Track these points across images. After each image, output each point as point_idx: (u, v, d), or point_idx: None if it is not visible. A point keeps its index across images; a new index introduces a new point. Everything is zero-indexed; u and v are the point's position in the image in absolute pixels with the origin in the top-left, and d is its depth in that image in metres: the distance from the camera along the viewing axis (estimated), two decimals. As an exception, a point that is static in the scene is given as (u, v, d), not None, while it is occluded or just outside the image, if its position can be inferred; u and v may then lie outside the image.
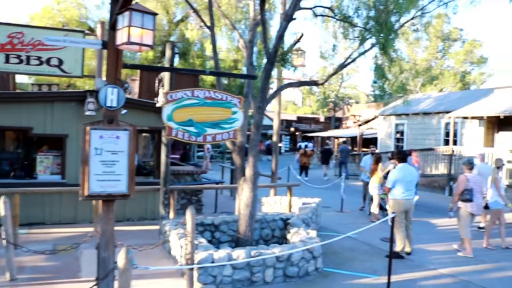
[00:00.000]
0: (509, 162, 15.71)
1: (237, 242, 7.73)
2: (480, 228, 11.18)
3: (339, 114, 57.77)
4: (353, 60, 9.04)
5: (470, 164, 8.98)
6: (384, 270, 7.08)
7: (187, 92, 5.81)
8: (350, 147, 38.67)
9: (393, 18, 8.69)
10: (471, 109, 17.97)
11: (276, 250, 6.58)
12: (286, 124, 58.02)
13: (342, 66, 8.85)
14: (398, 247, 8.44)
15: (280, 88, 8.64)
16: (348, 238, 9.61)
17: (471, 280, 7.27)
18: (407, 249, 8.59)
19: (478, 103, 18.74)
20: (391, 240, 6.78)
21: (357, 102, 58.11)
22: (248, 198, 7.59)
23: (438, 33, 53.50)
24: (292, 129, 56.82)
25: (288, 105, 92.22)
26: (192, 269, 6.05)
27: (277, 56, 8.01)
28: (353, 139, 35.23)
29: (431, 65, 54.64)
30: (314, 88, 63.65)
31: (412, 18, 8.99)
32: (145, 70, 12.47)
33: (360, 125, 27.70)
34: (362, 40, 7.66)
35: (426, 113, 21.87)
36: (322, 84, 8.86)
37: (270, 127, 53.16)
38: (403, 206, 8.60)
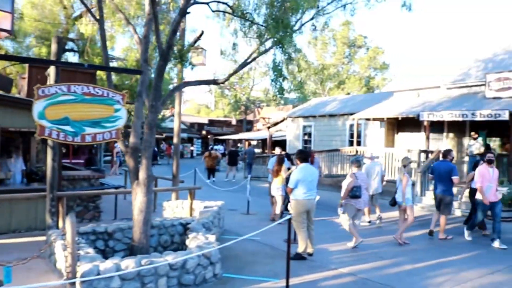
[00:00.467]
0: (407, 161, 16.40)
1: (131, 251, 7.21)
2: (369, 222, 12.16)
3: (250, 117, 58.26)
4: (254, 59, 8.88)
5: (357, 162, 9.76)
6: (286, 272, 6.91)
7: (62, 87, 5.24)
8: (261, 149, 39.12)
9: (293, 18, 8.66)
10: (372, 111, 18.63)
11: (170, 258, 6.15)
12: (198, 127, 57.46)
13: (243, 65, 8.64)
14: (300, 248, 8.33)
15: (177, 87, 8.24)
16: (251, 241, 9.45)
17: (369, 278, 7.30)
18: (309, 250, 8.50)
19: (379, 105, 19.48)
20: (289, 242, 6.62)
21: (268, 105, 58.92)
22: (142, 203, 7.10)
23: (344, 39, 55.79)
24: (204, 132, 56.31)
25: (201, 108, 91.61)
26: (74, 283, 5.46)
27: (173, 53, 7.61)
28: (264, 141, 35.57)
29: (339, 70, 56.84)
30: (226, 91, 63.74)
31: (312, 19, 8.97)
32: (21, 63, 11.42)
33: (269, 127, 27.89)
34: (260, 38, 7.45)
35: (332, 115, 22.43)
36: (222, 83, 8.57)
37: (182, 130, 52.37)
38: (305, 206, 8.51)
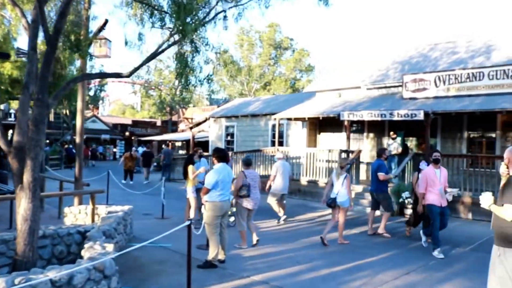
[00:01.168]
0: (327, 161, 16.34)
1: (14, 266, 6.27)
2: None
3: (176, 118, 56.99)
4: (163, 51, 8.17)
5: (248, 161, 9.56)
6: (194, 283, 6.29)
7: None
8: (185, 150, 38.17)
9: (205, 9, 8.08)
10: (294, 111, 18.44)
11: (52, 273, 5.31)
12: (121, 128, 55.39)
13: (151, 57, 7.90)
14: (210, 255, 7.72)
15: (74, 79, 7.35)
16: (161, 248, 8.74)
17: (283, 285, 6.83)
18: (221, 257, 7.91)
19: (301, 105, 19.35)
20: (189, 250, 6.04)
21: (194, 106, 57.98)
22: (27, 211, 6.18)
23: (270, 41, 56.04)
24: (127, 133, 54.34)
25: (126, 109, 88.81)
26: None
27: (68, 41, 6.76)
28: (188, 142, 34.69)
29: (265, 71, 57.01)
30: (151, 91, 61.99)
31: (224, 11, 8.43)
32: None
33: (191, 128, 27.13)
34: (162, 25, 6.77)
35: (254, 115, 22.08)
36: (127, 76, 7.77)
37: (104, 131, 50.08)
38: (222, 209, 7.96)
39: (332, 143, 18.32)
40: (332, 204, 9.82)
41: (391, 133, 15.94)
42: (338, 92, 18.97)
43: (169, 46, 8.04)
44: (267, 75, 56.37)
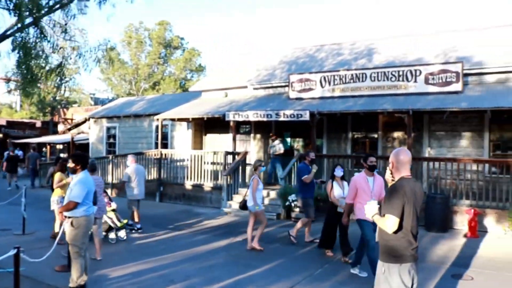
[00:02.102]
0: (213, 163, 15.53)
1: None
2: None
3: (58, 119, 52.91)
4: (10, 36, 6.75)
5: (92, 166, 8.61)
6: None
7: None
8: (67, 154, 35.21)
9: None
10: (178, 112, 17.39)
11: None
12: (-8, 129, 50.21)
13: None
14: (73, 281, 6.43)
15: None
16: (7, 274, 7.26)
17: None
18: (81, 281, 6.65)
19: (186, 105, 18.36)
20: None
21: (79, 106, 54.36)
22: None
23: (160, 39, 54.24)
24: (0, 135, 49.29)
25: (3, 109, 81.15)
26: None
27: None
28: (69, 145, 32.00)
29: (154, 70, 55.04)
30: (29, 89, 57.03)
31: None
32: None
33: (70, 129, 24.91)
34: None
35: (137, 116, 20.64)
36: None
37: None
38: (91, 223, 6.77)
39: (219, 144, 17.57)
40: (242, 206, 9.52)
41: (271, 134, 15.78)
42: (224, 91, 18.26)
43: (17, 31, 6.66)
44: (156, 74, 54.47)
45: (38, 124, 54.15)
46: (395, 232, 3.96)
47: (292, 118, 13.54)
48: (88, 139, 24.39)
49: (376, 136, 14.97)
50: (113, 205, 10.10)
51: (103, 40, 61.04)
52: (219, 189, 14.84)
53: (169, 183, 16.75)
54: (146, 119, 20.20)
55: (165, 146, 19.14)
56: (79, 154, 7.37)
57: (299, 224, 9.99)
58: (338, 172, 8.77)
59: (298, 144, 16.52)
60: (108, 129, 22.19)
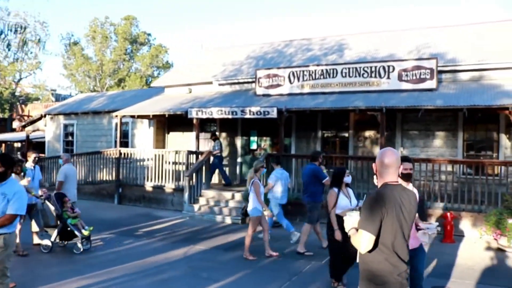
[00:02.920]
0: (174, 163, 14.59)
1: None
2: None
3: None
4: None
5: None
6: None
7: None
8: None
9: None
10: (138, 108, 16.34)
11: None
12: None
13: None
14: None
15: None
16: None
17: None
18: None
19: (148, 101, 17.32)
20: None
21: (40, 102, 52.23)
22: None
23: (126, 35, 52.65)
24: (-47, 132, 46.87)
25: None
26: None
27: None
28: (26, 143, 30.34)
29: (119, 66, 53.40)
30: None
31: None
32: None
33: (25, 126, 23.42)
34: None
35: (96, 112, 19.42)
36: None
37: None
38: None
39: (183, 143, 16.60)
40: (245, 213, 8.87)
41: (211, 134, 15.47)
42: (188, 87, 17.28)
43: None
44: (121, 71, 52.82)
45: (-7, 122, 51.86)
46: (370, 252, 3.18)
47: (259, 115, 12.72)
48: (44, 137, 22.98)
49: (347, 135, 14.30)
50: (77, 211, 9.15)
51: (66, 34, 58.92)
52: (181, 190, 13.91)
53: (128, 185, 15.70)
54: (105, 116, 19.02)
55: (125, 145, 18.03)
56: (6, 154, 6.33)
57: (304, 237, 8.95)
58: (348, 178, 7.02)
59: (265, 143, 15.72)
60: (66, 126, 20.88)
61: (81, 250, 8.72)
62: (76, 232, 8.77)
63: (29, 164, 9.27)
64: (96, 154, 16.80)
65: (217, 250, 9.23)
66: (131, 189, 15.59)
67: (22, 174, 8.67)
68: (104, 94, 23.77)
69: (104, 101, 20.86)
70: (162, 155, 14.88)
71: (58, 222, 8.97)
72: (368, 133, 13.90)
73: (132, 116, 16.17)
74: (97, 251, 9.03)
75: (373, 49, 15.15)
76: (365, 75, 13.11)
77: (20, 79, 54.88)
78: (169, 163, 14.82)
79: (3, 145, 36.88)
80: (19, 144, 36.20)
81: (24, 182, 8.23)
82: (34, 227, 9.28)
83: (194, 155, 14.36)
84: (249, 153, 15.93)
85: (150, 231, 11.03)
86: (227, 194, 13.24)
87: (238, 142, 16.06)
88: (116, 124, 16.88)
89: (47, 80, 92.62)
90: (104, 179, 16.60)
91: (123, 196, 15.77)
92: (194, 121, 14.21)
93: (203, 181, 13.93)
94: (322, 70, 13.81)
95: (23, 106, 38.74)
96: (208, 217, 12.48)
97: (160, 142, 17.59)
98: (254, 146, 15.78)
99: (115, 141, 17.35)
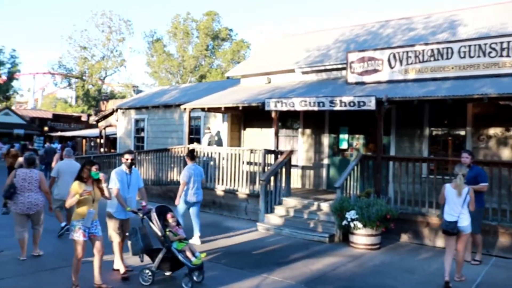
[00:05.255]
0: (249, 164, 12.39)
1: None
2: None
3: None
4: None
5: (29, 159, 8.01)
6: None
7: None
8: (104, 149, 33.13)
9: None
10: (209, 100, 14.36)
11: None
12: (39, 122, 49.38)
13: None
14: None
15: None
16: None
17: None
18: None
19: (221, 93, 15.32)
20: None
21: (123, 97, 52.88)
22: None
23: (207, 30, 51.74)
24: (46, 128, 48.35)
25: (58, 103, 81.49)
26: None
27: None
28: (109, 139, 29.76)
29: (201, 63, 52.64)
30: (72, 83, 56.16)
31: None
32: None
33: (98, 121, 22.48)
34: None
35: (167, 106, 17.77)
36: None
37: (18, 125, 43.96)
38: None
39: (261, 141, 14.43)
40: (453, 230, 6.66)
41: (207, 126, 14.46)
42: (267, 77, 15.03)
43: None
44: (203, 67, 51.96)
45: (84, 117, 53.11)
46: None
47: (352, 107, 10.15)
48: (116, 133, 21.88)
49: (463, 133, 11.31)
50: (181, 232, 6.74)
51: (149, 32, 59.31)
52: (257, 197, 11.69)
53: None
54: (177, 110, 17.30)
55: (197, 141, 16.22)
56: None
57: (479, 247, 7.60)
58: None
59: (358, 142, 13.08)
60: (137, 121, 19.50)
61: (190, 284, 6.26)
62: (183, 261, 6.40)
63: (123, 167, 7.16)
64: (164, 152, 15.05)
65: (299, 285, 6.83)
66: (201, 192, 13.63)
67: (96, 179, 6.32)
68: (177, 87, 22.18)
69: (176, 94, 19.22)
70: (235, 155, 12.74)
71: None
72: (493, 131, 10.82)
73: (203, 109, 14.19)
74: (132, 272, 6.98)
75: (497, 23, 11.98)
76: (493, 54, 10.09)
77: (106, 76, 56.07)
78: (243, 163, 12.67)
79: (83, 140, 37.06)
80: (102, 140, 36.07)
81: (113, 191, 6.69)
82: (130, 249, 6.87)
83: (273, 155, 12.08)
84: (338, 153, 13.37)
85: (215, 249, 8.87)
86: (312, 204, 10.82)
87: (325, 140, 13.55)
88: (190, 119, 14.99)
89: (131, 77, 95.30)
90: (172, 179, 14.81)
91: (191, 200, 13.86)
92: (273, 114, 11.91)
93: (283, 186, 11.61)
94: (432, 51, 10.95)
95: (105, 102, 38.66)
96: (287, 232, 10.13)
97: (235, 140, 15.53)
98: (344, 145, 13.18)
99: (190, 138, 15.46)
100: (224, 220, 12.04)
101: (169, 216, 6.74)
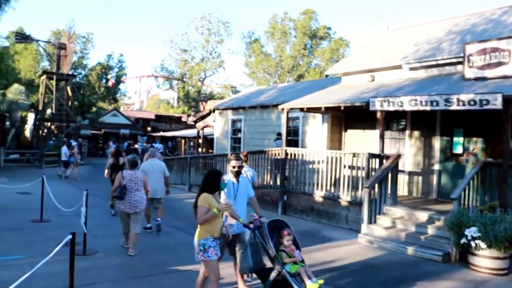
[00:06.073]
0: (351, 168, 11.42)
1: None
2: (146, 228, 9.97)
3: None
4: None
5: (133, 162, 8.60)
6: None
7: None
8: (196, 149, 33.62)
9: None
10: (307, 99, 13.56)
11: None
12: (143, 123, 51.77)
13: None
14: None
15: None
16: None
17: None
18: None
19: (320, 92, 14.45)
20: None
21: (222, 98, 53.77)
22: None
23: (305, 29, 51.01)
24: (149, 128, 50.55)
25: (161, 104, 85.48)
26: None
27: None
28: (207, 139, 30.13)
29: (298, 62, 52.03)
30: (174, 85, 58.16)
31: None
32: None
33: (196, 122, 22.60)
34: None
35: (264, 106, 17.25)
36: None
37: (124, 126, 46.38)
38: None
39: (364, 143, 13.37)
40: None
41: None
42: (370, 74, 13.90)
43: None
44: (300, 66, 51.28)
45: (184, 118, 54.86)
46: None
47: (472, 105, 8.81)
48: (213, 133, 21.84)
49: None
50: (297, 254, 5.79)
51: (247, 32, 59.86)
52: (359, 205, 10.71)
53: (295, 192, 13.05)
54: (274, 110, 16.72)
55: (295, 143, 15.55)
56: None
57: None
58: None
59: (475, 146, 11.52)
60: (233, 122, 19.23)
61: None
62: (295, 286, 5.43)
63: (230, 176, 6.32)
64: (260, 154, 14.51)
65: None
66: (298, 197, 12.92)
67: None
68: (274, 87, 21.63)
69: (274, 94, 18.66)
70: (336, 158, 11.84)
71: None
72: None
73: (301, 109, 13.43)
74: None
75: None
76: None
77: (205, 78, 57.47)
78: (344, 167, 11.74)
79: (183, 141, 38.02)
80: (199, 140, 36.74)
81: (226, 203, 5.47)
82: (238, 266, 6.10)
83: (377, 160, 10.99)
84: (451, 158, 11.90)
85: (311, 264, 8.05)
86: (422, 216, 9.63)
87: (436, 143, 12.15)
88: (287, 119, 14.32)
89: (229, 78, 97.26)
90: (268, 183, 14.24)
91: (288, 205, 13.21)
92: (378, 115, 10.82)
93: (388, 194, 10.51)
94: None
95: (204, 103, 39.43)
96: (393, 246, 9.06)
97: (335, 142, 14.58)
98: (458, 149, 11.69)
99: (288, 139, 14.80)
100: (323, 229, 11.20)
101: (285, 233, 5.77)
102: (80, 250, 7.92)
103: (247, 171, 9.55)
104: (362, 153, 11.08)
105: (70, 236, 4.57)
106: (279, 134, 15.38)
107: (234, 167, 6.26)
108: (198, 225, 5.33)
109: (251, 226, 5.81)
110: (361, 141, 13.77)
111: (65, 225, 10.10)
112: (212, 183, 5.42)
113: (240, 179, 6.34)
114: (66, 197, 13.25)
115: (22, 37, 34.19)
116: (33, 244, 8.52)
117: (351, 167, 11.45)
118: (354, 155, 11.35)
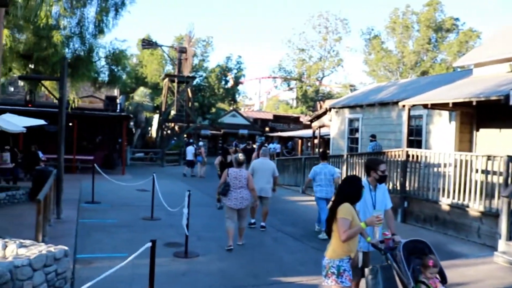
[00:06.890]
0: (485, 173, 9.89)
1: None
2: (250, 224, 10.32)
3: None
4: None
5: (238, 160, 8.90)
6: None
7: None
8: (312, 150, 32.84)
9: None
10: (432, 95, 12.13)
11: None
12: (261, 123, 52.46)
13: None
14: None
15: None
16: None
17: None
18: None
19: (447, 87, 12.90)
20: None
21: (340, 97, 52.56)
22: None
23: (428, 22, 47.79)
24: (267, 128, 51.03)
25: (280, 105, 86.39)
26: None
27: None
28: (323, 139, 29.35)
29: (422, 58, 48.91)
30: (293, 85, 58.06)
31: None
32: None
33: (311, 121, 21.88)
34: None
35: (383, 104, 15.98)
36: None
37: (243, 126, 47.38)
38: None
39: (499, 145, 11.65)
40: None
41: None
42: (509, 64, 12.07)
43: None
44: (424, 62, 48.10)
45: (302, 118, 54.52)
46: None
47: None
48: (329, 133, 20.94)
49: None
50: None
51: (366, 29, 57.88)
52: (495, 216, 9.20)
53: (417, 198, 11.74)
54: (394, 108, 15.41)
55: (418, 144, 14.15)
56: None
57: None
58: None
59: None
60: (350, 121, 18.17)
61: None
62: None
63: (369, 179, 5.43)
64: (379, 155, 13.37)
65: None
66: (420, 204, 11.60)
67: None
68: (395, 83, 20.15)
69: (394, 91, 17.28)
70: (467, 161, 10.36)
71: None
72: None
73: (425, 106, 12.06)
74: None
75: None
76: None
77: (323, 77, 56.59)
78: (476, 171, 10.23)
79: (300, 141, 37.53)
80: (315, 141, 36.09)
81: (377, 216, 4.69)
82: None
83: (517, 164, 9.36)
84: None
85: None
86: None
87: None
88: (409, 118, 13.02)
89: (348, 77, 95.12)
90: (388, 187, 13.04)
91: (409, 212, 11.95)
92: (520, 110, 9.23)
93: (533, 205, 8.85)
94: None
95: (321, 102, 38.62)
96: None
97: (464, 143, 12.93)
98: None
99: (410, 139, 13.48)
100: (449, 242, 9.83)
101: (429, 263, 4.60)
102: (182, 252, 7.70)
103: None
104: (500, 156, 9.50)
105: (149, 244, 4.13)
106: (373, 136, 15.40)
107: (383, 171, 5.33)
108: (333, 241, 4.49)
109: (382, 247, 4.82)
110: (497, 142, 12.00)
111: (172, 224, 10.07)
112: (353, 191, 4.56)
113: (378, 185, 5.40)
114: (182, 196, 13.33)
115: (148, 43, 36.34)
116: (139, 242, 8.45)
117: (485, 172, 9.91)
118: (488, 158, 9.80)
